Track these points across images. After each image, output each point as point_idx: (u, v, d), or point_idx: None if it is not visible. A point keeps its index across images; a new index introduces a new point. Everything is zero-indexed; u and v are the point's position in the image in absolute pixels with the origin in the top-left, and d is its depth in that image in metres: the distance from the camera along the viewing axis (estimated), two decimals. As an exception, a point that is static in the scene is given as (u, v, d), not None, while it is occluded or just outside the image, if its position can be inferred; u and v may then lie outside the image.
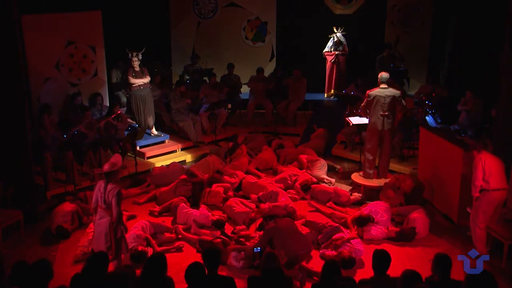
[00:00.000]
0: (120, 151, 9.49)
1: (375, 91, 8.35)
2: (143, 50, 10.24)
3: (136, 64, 10.14)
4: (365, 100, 8.45)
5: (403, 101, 8.59)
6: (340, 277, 4.61)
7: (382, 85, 8.36)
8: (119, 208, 5.95)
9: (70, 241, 7.14)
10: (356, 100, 10.67)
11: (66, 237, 7.21)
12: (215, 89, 11.45)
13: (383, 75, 8.40)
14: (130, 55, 10.11)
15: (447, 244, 7.05)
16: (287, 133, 11.48)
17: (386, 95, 8.32)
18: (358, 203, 8.19)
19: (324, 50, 12.77)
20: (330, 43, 12.74)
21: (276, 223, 6.85)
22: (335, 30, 12.61)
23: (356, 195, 8.39)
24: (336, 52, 12.66)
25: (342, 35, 12.65)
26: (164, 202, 8.10)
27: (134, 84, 10.19)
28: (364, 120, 9.00)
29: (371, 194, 8.50)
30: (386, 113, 8.36)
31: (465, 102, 9.97)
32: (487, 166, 6.47)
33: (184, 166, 9.52)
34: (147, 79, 10.32)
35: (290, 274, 6.09)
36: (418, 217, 7.30)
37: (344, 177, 9.34)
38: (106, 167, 6.05)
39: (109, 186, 5.96)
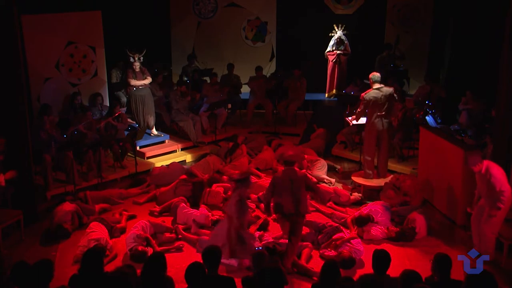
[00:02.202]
0: (120, 151, 9.51)
1: (370, 93, 8.33)
2: (144, 52, 10.24)
3: (137, 66, 10.15)
4: (361, 104, 8.41)
5: (396, 96, 8.57)
6: (340, 277, 4.61)
7: (375, 85, 8.35)
8: (238, 215, 6.24)
9: (70, 241, 7.14)
10: (356, 100, 10.66)
11: (66, 237, 7.20)
12: (216, 89, 11.45)
13: (375, 75, 8.40)
14: (132, 58, 10.11)
15: (447, 244, 7.05)
16: (287, 133, 11.49)
17: (382, 95, 8.32)
18: (358, 203, 8.20)
19: (326, 50, 12.72)
20: (331, 43, 12.69)
21: (281, 173, 6.76)
22: (335, 28, 12.58)
23: (356, 195, 8.39)
24: (338, 52, 12.60)
25: (343, 34, 12.61)
26: (164, 202, 8.10)
27: (135, 85, 10.19)
28: (364, 121, 8.99)
29: (371, 194, 8.51)
30: (383, 112, 8.37)
31: (466, 102, 9.96)
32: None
33: (184, 166, 9.52)
34: (148, 80, 10.32)
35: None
36: (418, 217, 7.30)
37: (344, 177, 9.34)
38: (236, 175, 6.37)
39: (234, 193, 6.29)
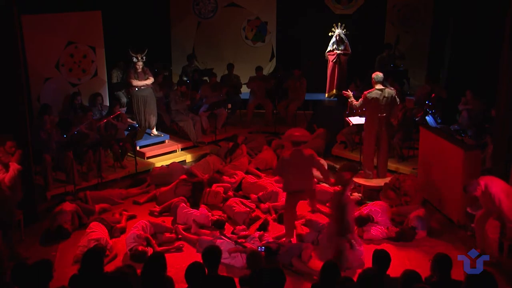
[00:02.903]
0: (120, 151, 9.51)
1: (373, 93, 8.28)
2: (146, 52, 10.24)
3: (140, 66, 10.14)
4: (361, 99, 8.35)
5: (398, 99, 8.53)
6: (340, 277, 4.61)
7: (378, 86, 8.30)
8: (342, 220, 6.23)
9: (70, 241, 7.15)
10: (356, 100, 10.66)
11: (66, 237, 7.21)
12: (215, 89, 11.44)
13: (378, 75, 8.34)
14: (135, 59, 10.10)
15: (447, 244, 7.05)
16: (287, 133, 11.47)
17: (384, 96, 8.28)
18: (358, 203, 8.19)
19: (327, 50, 12.68)
20: (332, 41, 12.64)
21: (289, 154, 6.92)
22: (335, 27, 12.53)
23: (356, 195, 8.39)
24: (338, 52, 12.54)
25: (343, 33, 12.57)
26: (164, 202, 8.11)
27: (137, 85, 10.18)
28: (362, 120, 8.98)
29: (371, 194, 8.51)
30: (384, 114, 8.35)
31: (466, 102, 9.97)
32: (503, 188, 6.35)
33: (184, 166, 9.52)
34: (150, 80, 10.31)
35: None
36: (418, 217, 7.30)
37: (344, 177, 9.33)
38: (348, 174, 6.49)
39: (343, 197, 6.34)
